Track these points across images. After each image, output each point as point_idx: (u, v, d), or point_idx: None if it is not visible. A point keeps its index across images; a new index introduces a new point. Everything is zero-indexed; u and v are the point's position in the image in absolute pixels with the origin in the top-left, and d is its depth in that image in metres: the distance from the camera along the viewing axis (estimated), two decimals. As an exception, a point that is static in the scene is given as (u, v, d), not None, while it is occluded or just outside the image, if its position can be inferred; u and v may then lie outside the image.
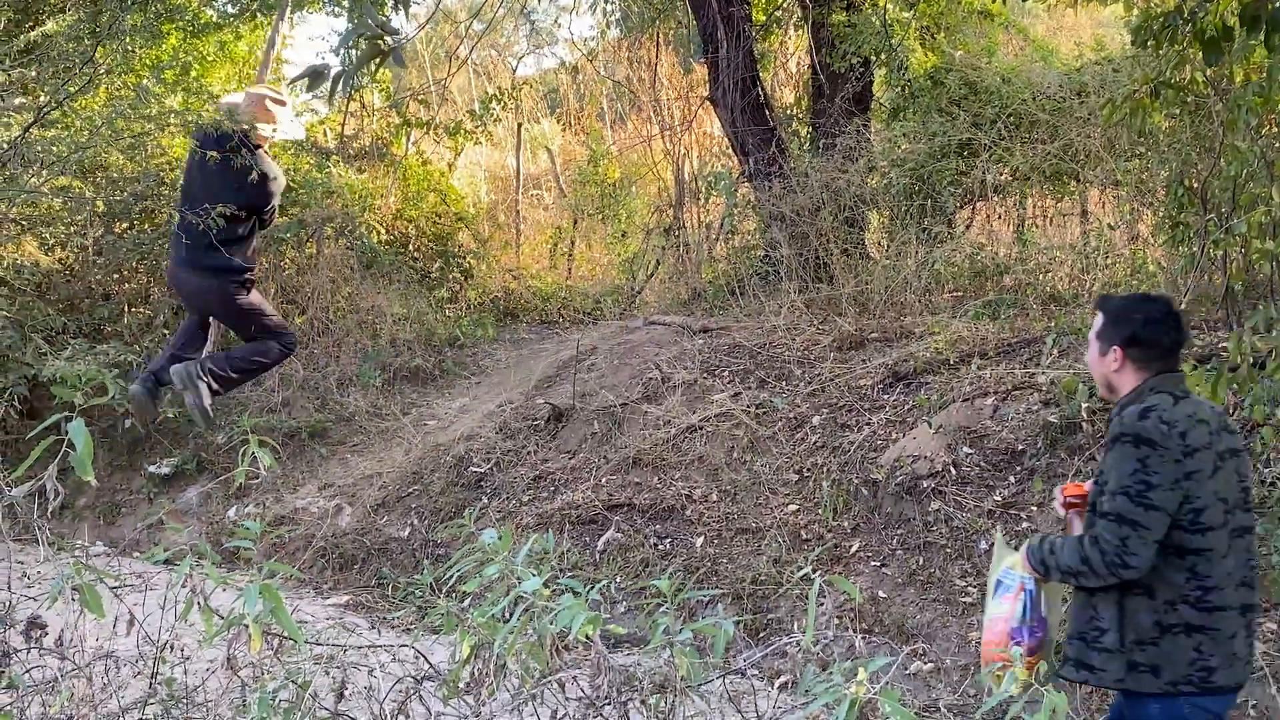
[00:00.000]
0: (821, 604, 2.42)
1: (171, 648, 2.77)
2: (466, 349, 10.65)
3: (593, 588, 2.41)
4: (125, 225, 10.51)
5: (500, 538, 2.42)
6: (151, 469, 9.06)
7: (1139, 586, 3.17)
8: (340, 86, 3.61)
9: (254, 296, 6.29)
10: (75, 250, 10.25)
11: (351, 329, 10.25)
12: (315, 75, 3.62)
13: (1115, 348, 3.41)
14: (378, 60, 3.53)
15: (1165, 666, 3.12)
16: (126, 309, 10.28)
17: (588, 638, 2.24)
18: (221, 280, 6.06)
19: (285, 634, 2.41)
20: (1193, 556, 3.14)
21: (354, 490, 8.28)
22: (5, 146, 4.62)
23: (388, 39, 3.46)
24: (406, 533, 7.62)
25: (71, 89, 5.04)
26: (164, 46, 12.22)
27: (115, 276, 10.57)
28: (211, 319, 6.37)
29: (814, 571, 2.41)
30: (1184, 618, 3.13)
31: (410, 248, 11.89)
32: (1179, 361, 3.43)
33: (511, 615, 2.35)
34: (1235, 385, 4.66)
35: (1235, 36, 4.13)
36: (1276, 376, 4.50)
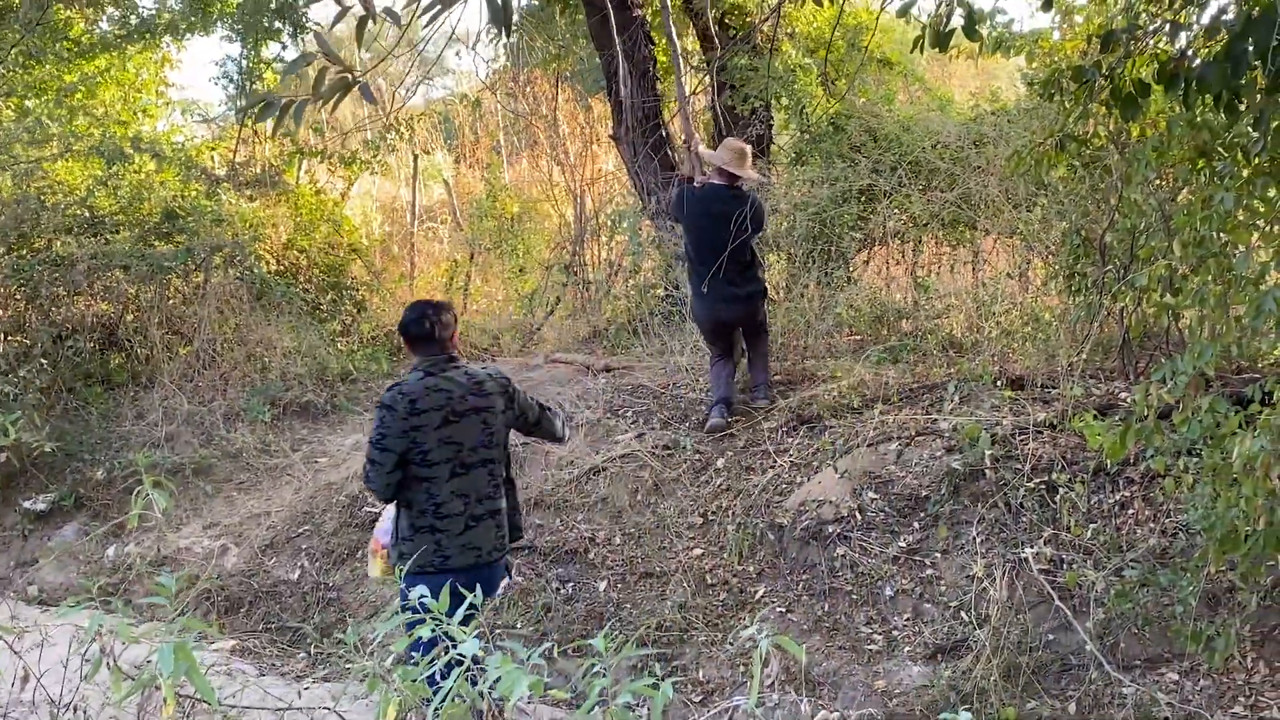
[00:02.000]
0: (766, 666, 2.32)
1: (75, 709, 2.57)
2: (359, 384, 10.39)
3: (533, 651, 2.29)
4: (1, 250, 10.10)
5: (435, 597, 2.29)
6: (27, 504, 8.65)
7: (403, 502, 4.78)
8: (294, 117, 3.45)
9: None
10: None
11: (240, 361, 9.95)
12: (265, 106, 3.47)
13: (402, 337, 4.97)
14: (342, 93, 3.38)
15: (417, 555, 4.58)
16: (2, 337, 9.86)
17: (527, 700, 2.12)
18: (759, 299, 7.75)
19: (199, 696, 2.24)
20: (425, 483, 4.71)
21: (241, 530, 7.98)
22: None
23: (354, 73, 3.31)
24: (297, 575, 7.36)
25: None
26: (43, 68, 11.86)
27: (-12, 304, 10.15)
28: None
29: (757, 631, 2.31)
30: (427, 522, 4.70)
31: (301, 279, 11.62)
32: (440, 347, 4.83)
33: (443, 677, 2.22)
34: (1142, 437, 4.70)
35: (1151, 93, 4.19)
36: (1183, 429, 4.54)
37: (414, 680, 2.20)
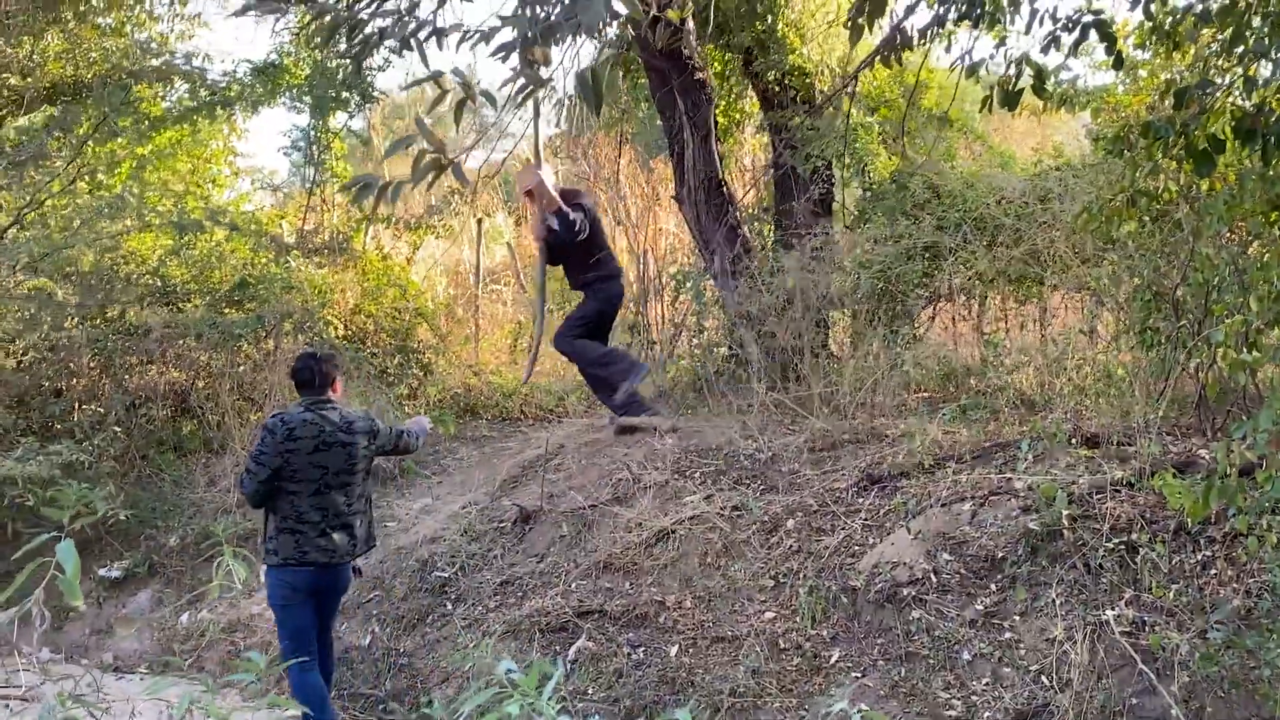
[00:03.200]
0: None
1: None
2: (427, 447, 10.45)
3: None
4: (75, 321, 10.31)
5: (526, 671, 2.28)
6: (101, 572, 8.75)
7: (272, 508, 5.87)
8: (390, 197, 3.53)
9: None
10: (26, 347, 10.04)
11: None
12: (363, 188, 3.55)
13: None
14: (435, 174, 3.45)
15: (281, 550, 5.84)
16: (78, 406, 10.04)
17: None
18: None
19: (286, 776, 2.25)
20: (292, 495, 5.81)
21: (312, 595, 8.01)
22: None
23: (446, 154, 3.37)
24: (368, 641, 7.37)
25: (58, 185, 4.94)
26: (116, 143, 12.14)
27: (65, 372, 10.34)
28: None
29: (851, 706, 2.27)
30: (290, 525, 5.79)
31: (369, 343, 11.75)
32: (320, 390, 5.99)
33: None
34: (1224, 496, 4.61)
35: (1227, 149, 4.15)
36: (1266, 487, 4.45)
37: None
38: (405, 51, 4.05)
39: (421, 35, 4.04)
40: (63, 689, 2.34)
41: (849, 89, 9.89)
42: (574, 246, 9.17)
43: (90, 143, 10.15)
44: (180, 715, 2.23)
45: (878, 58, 4.66)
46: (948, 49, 7.69)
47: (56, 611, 8.59)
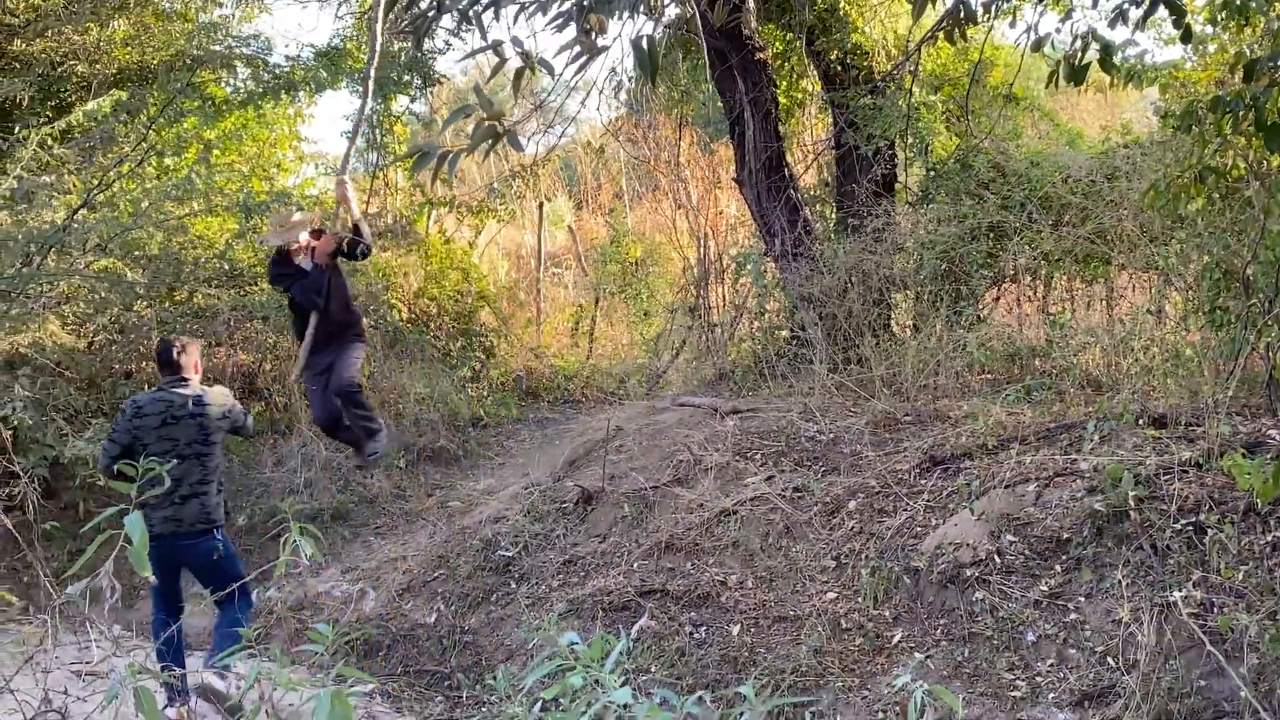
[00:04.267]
0: (923, 716, 2.28)
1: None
2: (490, 429, 10.55)
3: (685, 699, 2.29)
4: (145, 304, 10.48)
5: (589, 644, 2.31)
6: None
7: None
8: (448, 167, 3.57)
9: None
10: (97, 329, 10.21)
11: (374, 409, 10.16)
12: (423, 156, 3.59)
13: None
14: (492, 142, 3.48)
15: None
16: (147, 387, 10.20)
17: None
18: None
19: (355, 743, 2.29)
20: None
21: (378, 574, 8.13)
22: (53, 228, 4.61)
23: (503, 122, 3.40)
24: (433, 619, 7.45)
25: (126, 168, 5.05)
26: (182, 127, 12.29)
27: (134, 354, 10.51)
28: None
29: (915, 682, 2.28)
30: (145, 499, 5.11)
31: (432, 326, 11.85)
32: (176, 370, 6.13)
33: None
34: (1297, 475, 4.54)
35: (1300, 123, 4.07)
36: (1340, 467, 4.38)
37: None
38: (464, 26, 4.09)
39: (479, 7, 4.06)
40: (134, 661, 2.40)
41: (912, 66, 9.79)
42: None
43: (156, 127, 10.31)
44: (250, 686, 2.28)
45: (940, 33, 4.61)
46: (1012, 24, 7.59)
47: (127, 590, 8.79)
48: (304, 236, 7.47)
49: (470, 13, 4.09)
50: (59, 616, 3.36)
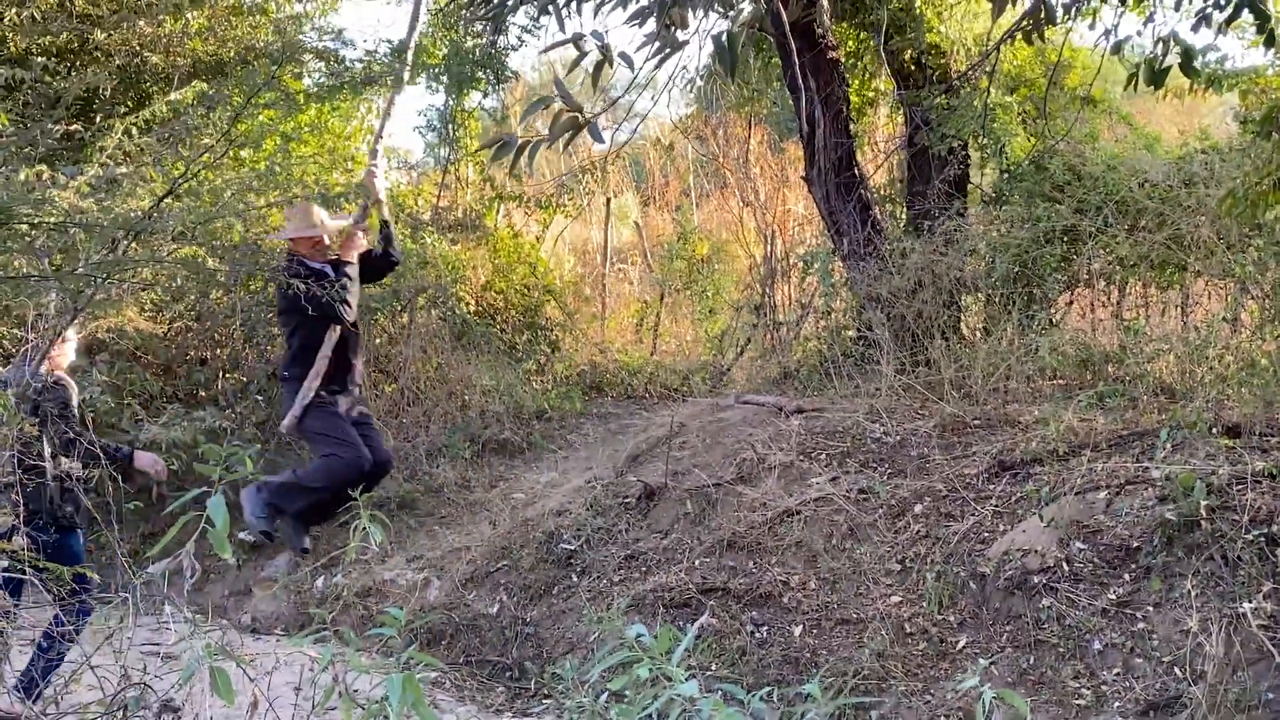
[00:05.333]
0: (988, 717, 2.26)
1: (309, 737, 2.69)
2: (554, 422, 10.60)
3: (753, 694, 2.29)
4: (220, 292, 10.64)
5: (656, 636, 2.31)
6: (240, 535, 9.06)
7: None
8: (527, 158, 3.60)
9: None
10: (174, 316, 10.41)
11: (441, 400, 10.26)
12: (502, 146, 3.62)
13: None
14: (573, 133, 3.51)
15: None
16: (221, 375, 10.39)
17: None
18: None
19: (425, 728, 2.31)
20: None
21: (442, 563, 8.20)
22: (141, 215, 4.70)
23: (584, 114, 3.43)
24: (496, 609, 7.51)
25: (208, 159, 5.13)
26: (259, 119, 12.44)
27: (210, 342, 10.70)
28: None
29: (982, 685, 2.26)
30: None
31: (499, 319, 11.94)
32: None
33: (660, 718, 2.24)
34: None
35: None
36: None
37: (633, 716, 2.23)
38: (539, 21, 4.12)
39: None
40: (209, 642, 2.44)
41: (989, 66, 9.69)
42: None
43: (234, 121, 10.46)
44: (324, 668, 2.31)
45: (1019, 32, 4.56)
46: (1091, 26, 7.49)
47: (201, 572, 8.95)
48: (329, 224, 6.43)
49: (549, 5, 4.11)
50: (138, 595, 3.42)
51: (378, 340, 10.86)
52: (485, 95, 13.15)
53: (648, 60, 3.77)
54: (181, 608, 3.12)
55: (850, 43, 11.68)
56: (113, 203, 4.00)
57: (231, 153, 11.00)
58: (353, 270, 6.09)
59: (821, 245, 11.74)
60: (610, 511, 8.12)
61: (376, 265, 6.39)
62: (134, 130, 4.60)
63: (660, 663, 2.26)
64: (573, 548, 7.81)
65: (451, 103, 12.89)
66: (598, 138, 3.57)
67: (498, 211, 13.10)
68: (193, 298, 10.28)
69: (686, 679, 2.21)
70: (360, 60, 12.74)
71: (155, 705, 2.64)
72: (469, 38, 12.65)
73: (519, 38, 13.79)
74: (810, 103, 10.47)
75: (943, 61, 10.74)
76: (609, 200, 15.06)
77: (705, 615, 6.72)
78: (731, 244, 14.08)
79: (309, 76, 13.13)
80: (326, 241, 6.33)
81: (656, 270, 14.88)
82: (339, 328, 5.94)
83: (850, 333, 10.46)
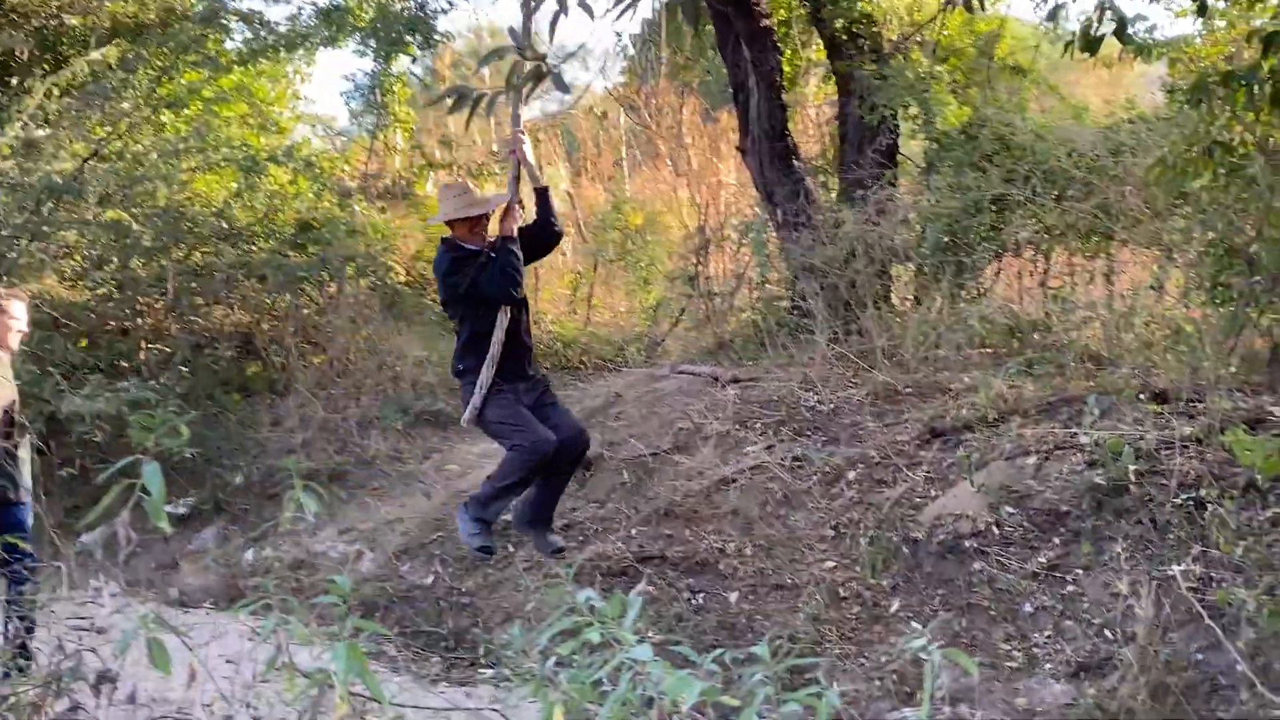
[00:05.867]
0: (938, 680, 2.28)
1: (248, 706, 2.64)
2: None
3: (707, 657, 2.29)
4: (142, 259, 10.40)
5: (608, 601, 2.30)
6: (167, 508, 8.88)
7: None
8: (486, 109, 3.54)
9: None
10: (95, 284, 10.18)
11: (372, 370, 10.16)
12: (460, 97, 3.54)
13: None
14: (535, 83, 3.45)
15: None
16: (144, 345, 10.19)
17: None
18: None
19: (369, 695, 2.29)
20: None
21: (375, 535, 8.13)
22: (65, 177, 4.58)
23: (548, 62, 3.38)
24: (430, 580, 7.46)
25: (132, 120, 5.01)
26: (178, 81, 12.17)
27: (132, 311, 10.47)
28: None
29: (928, 643, 2.28)
30: None
31: (430, 289, 11.81)
32: None
33: (610, 682, 2.23)
34: (1302, 452, 4.55)
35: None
36: (1345, 444, 4.38)
37: (583, 681, 2.22)
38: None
39: None
40: (143, 614, 2.39)
41: (921, 36, 9.74)
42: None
43: (158, 82, 10.27)
44: (265, 638, 2.27)
45: (956, 4, 4.56)
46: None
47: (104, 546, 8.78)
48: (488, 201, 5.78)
49: None
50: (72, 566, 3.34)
51: (305, 310, 10.71)
52: (414, 60, 12.96)
53: (608, 12, 3.72)
54: (117, 578, 3.05)
55: (782, 11, 11.66)
56: (35, 165, 3.88)
57: (154, 115, 10.80)
58: (515, 245, 5.46)
59: (755, 216, 11.76)
60: (546, 481, 8.09)
61: (539, 238, 5.77)
62: (54, 91, 4.45)
63: (610, 627, 2.25)
64: (508, 518, 7.77)
65: (380, 67, 12.69)
66: (563, 88, 3.52)
67: (428, 179, 12.95)
68: (114, 265, 10.06)
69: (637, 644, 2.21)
70: (283, 23, 12.49)
71: (92, 677, 2.59)
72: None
73: (450, 0, 13.60)
74: (744, 72, 10.46)
75: (875, 30, 10.76)
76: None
77: (642, 583, 6.73)
78: (665, 214, 14.05)
79: (230, 39, 12.85)
80: (487, 220, 5.71)
81: (590, 241, 14.80)
82: (509, 310, 5.43)
83: (784, 303, 10.50)
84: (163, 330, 10.52)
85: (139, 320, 10.49)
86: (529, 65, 3.44)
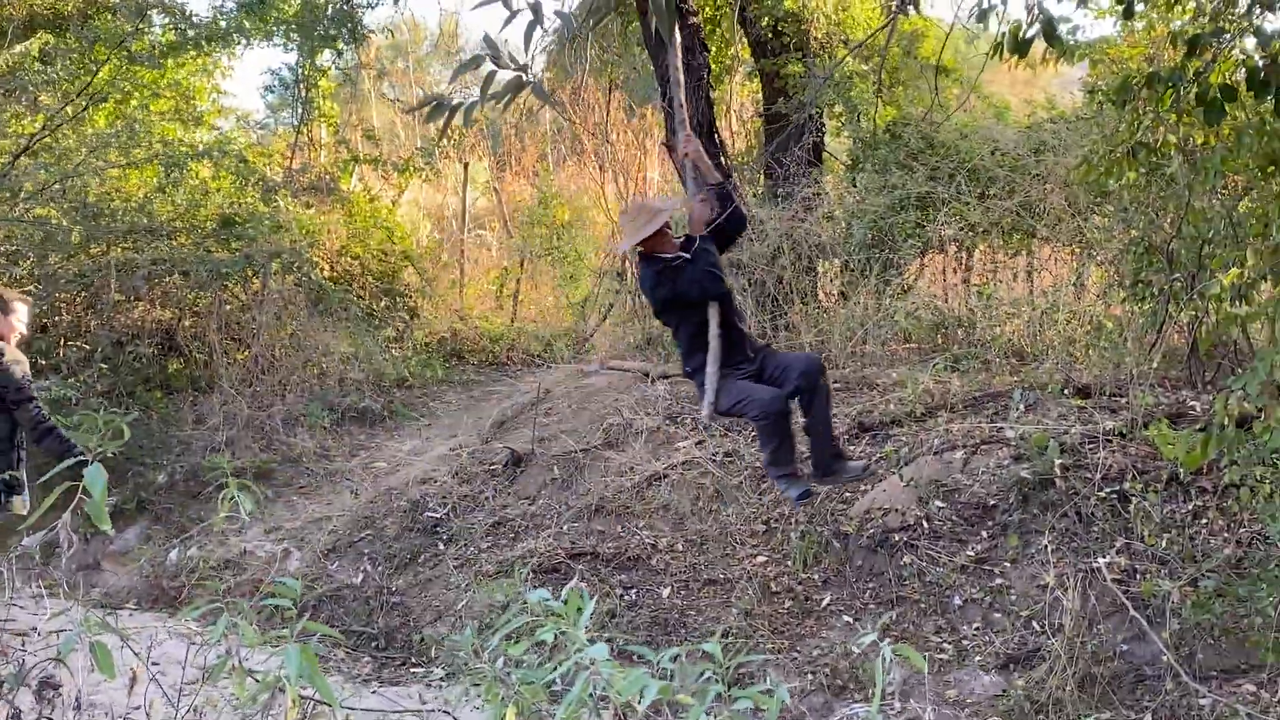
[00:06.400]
0: (888, 674, 2.31)
1: (197, 711, 2.59)
2: (415, 390, 10.45)
3: (662, 654, 2.29)
4: (60, 256, 10.16)
5: (565, 600, 2.30)
6: (67, 514, 8.69)
7: None
8: (463, 119, 3.50)
9: None
10: (9, 281, 9.91)
11: (298, 367, 10.02)
12: (435, 107, 3.50)
13: None
14: (514, 94, 3.42)
15: None
16: (63, 342, 9.96)
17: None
18: None
19: (320, 699, 2.27)
20: None
21: (302, 534, 8.03)
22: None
23: (528, 73, 3.35)
24: (360, 579, 7.39)
25: (69, 113, 4.88)
26: (100, 75, 11.89)
27: (50, 308, 10.22)
28: None
29: (881, 640, 2.31)
30: None
31: (356, 285, 11.69)
32: None
33: (564, 682, 2.23)
34: (1223, 445, 4.66)
35: (1238, 98, 4.16)
36: (1264, 438, 4.50)
37: (537, 682, 2.21)
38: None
39: None
40: (88, 615, 2.34)
41: (891, 31, 9.77)
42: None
43: (78, 74, 10.01)
44: (218, 638, 2.24)
45: (904, 4, 4.60)
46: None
47: (45, 546, 8.58)
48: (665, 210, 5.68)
49: None
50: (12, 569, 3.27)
51: (229, 307, 10.54)
52: (339, 54, 12.79)
53: (582, 19, 3.71)
54: (59, 581, 2.98)
55: (709, 9, 11.70)
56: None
57: (85, 111, 10.52)
58: (708, 243, 5.55)
59: (682, 213, 11.75)
60: (477, 479, 8.07)
61: (728, 229, 5.79)
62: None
63: (564, 627, 2.25)
64: (439, 515, 7.73)
65: (304, 61, 12.51)
66: (543, 97, 3.49)
67: (353, 174, 12.80)
68: (30, 263, 9.81)
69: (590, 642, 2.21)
70: (205, 16, 12.27)
71: (34, 682, 2.53)
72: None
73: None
74: (670, 69, 10.44)
75: (801, 29, 10.84)
76: (467, 165, 14.86)
77: (574, 580, 6.73)
78: (591, 210, 14.05)
79: (150, 32, 12.57)
80: (671, 228, 5.74)
81: (517, 236, 14.75)
82: (719, 305, 5.47)
83: (711, 298, 10.52)
84: (83, 327, 10.28)
85: (58, 317, 10.25)
86: (510, 76, 3.42)
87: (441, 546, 7.46)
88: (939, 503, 6.33)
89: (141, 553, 8.24)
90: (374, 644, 6.78)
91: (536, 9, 3.55)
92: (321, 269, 11.18)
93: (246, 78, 45.81)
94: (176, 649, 2.91)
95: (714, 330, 5.37)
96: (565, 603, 2.22)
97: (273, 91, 16.69)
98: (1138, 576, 5.41)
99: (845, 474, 5.78)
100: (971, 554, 6.01)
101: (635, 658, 2.33)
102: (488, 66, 3.62)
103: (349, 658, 6.71)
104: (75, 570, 8.46)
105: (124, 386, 9.76)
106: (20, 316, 6.19)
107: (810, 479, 5.65)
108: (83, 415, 2.65)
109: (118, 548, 8.46)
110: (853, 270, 9.28)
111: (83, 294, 10.07)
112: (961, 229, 9.15)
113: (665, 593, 6.54)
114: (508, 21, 3.67)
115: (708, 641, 2.33)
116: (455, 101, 3.52)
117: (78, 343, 9.96)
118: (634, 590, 6.62)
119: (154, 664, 2.96)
